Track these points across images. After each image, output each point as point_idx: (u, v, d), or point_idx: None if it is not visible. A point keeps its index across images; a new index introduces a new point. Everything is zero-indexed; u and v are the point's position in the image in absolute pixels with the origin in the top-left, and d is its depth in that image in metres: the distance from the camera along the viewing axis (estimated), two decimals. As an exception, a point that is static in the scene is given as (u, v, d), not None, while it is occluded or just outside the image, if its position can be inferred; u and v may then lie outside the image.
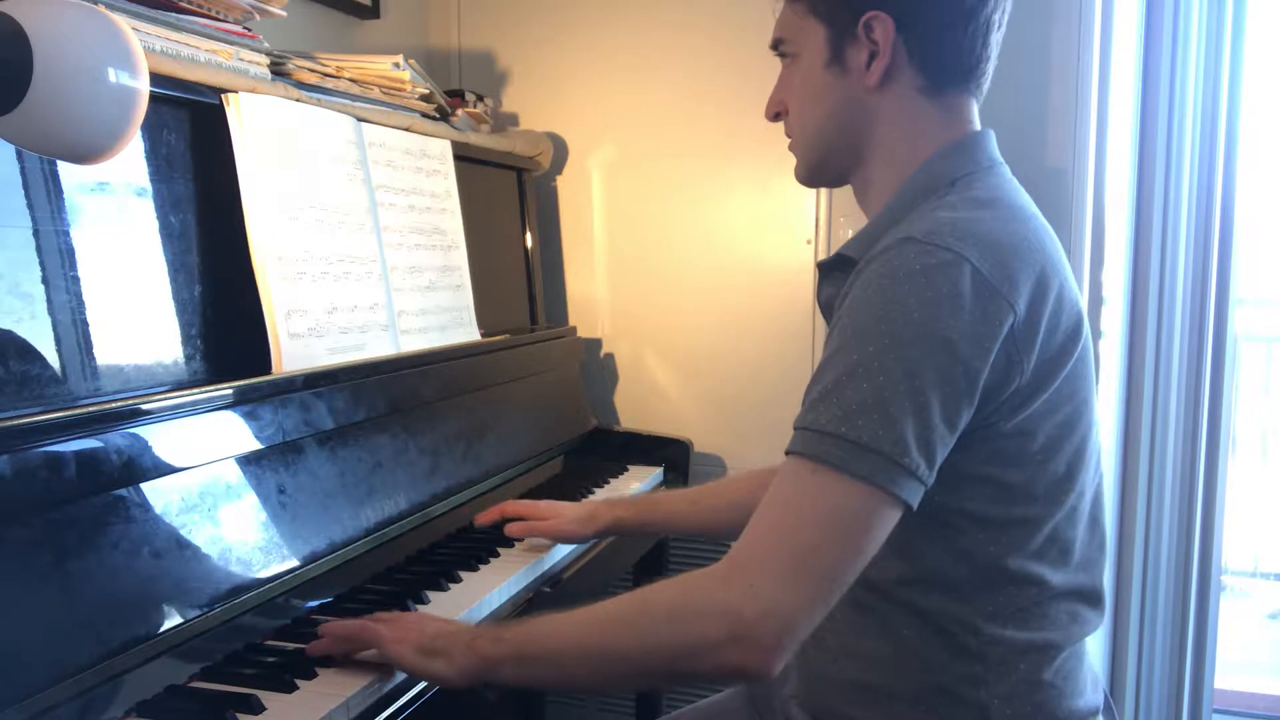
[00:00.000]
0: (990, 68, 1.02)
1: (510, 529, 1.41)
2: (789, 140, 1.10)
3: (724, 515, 1.35)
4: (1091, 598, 1.01)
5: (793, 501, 0.87)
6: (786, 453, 0.90)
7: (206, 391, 1.08)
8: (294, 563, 1.13)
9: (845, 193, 2.03)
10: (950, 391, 0.86)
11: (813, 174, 1.10)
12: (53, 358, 0.99)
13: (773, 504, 0.89)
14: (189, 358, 1.18)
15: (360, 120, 1.49)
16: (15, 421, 0.88)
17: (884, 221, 0.99)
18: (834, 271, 1.04)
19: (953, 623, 0.96)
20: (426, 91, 1.72)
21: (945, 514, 0.93)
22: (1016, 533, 0.95)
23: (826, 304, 1.05)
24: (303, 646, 1.06)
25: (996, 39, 1.01)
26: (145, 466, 0.99)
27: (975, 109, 1.04)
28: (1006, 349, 0.88)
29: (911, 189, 1.00)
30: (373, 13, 2.06)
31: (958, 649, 0.96)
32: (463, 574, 1.31)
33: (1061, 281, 0.94)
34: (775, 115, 1.11)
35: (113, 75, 0.79)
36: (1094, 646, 1.09)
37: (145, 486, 0.99)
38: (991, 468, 0.93)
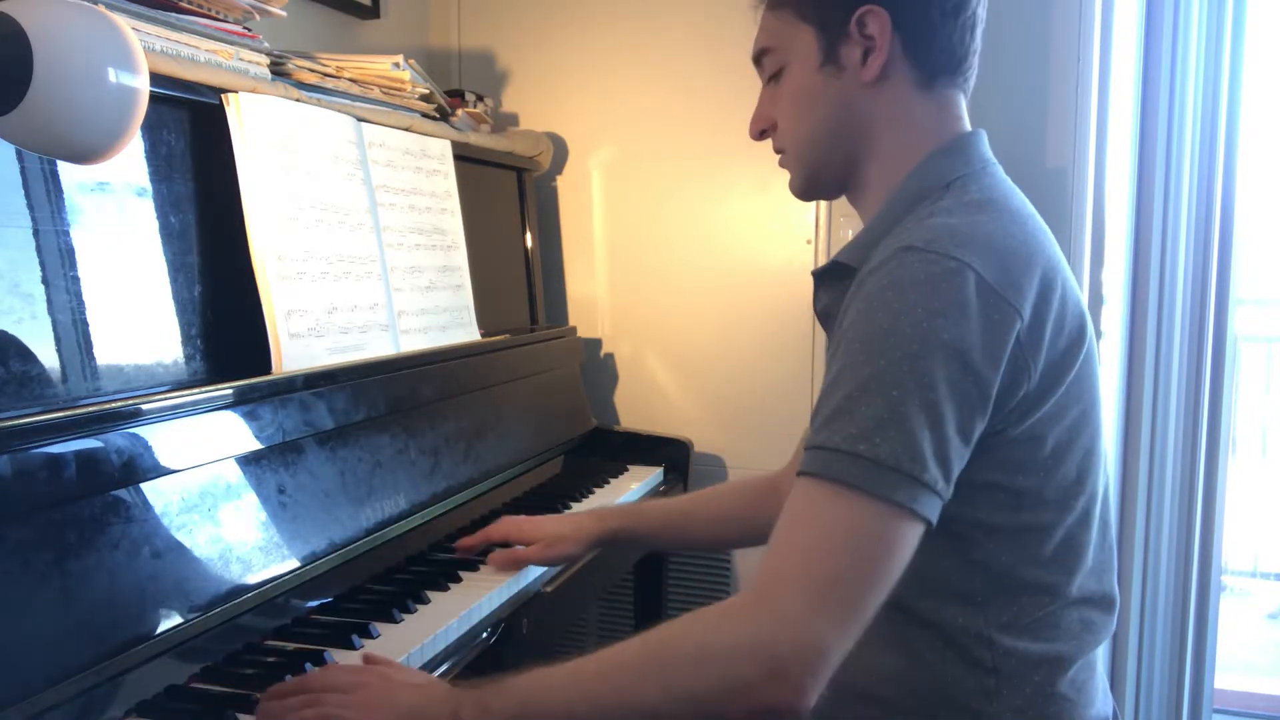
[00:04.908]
0: (976, 62, 1.03)
1: (495, 559, 1.33)
2: (779, 156, 1.08)
3: (720, 529, 1.34)
4: (1104, 603, 0.99)
5: (815, 525, 0.83)
6: (800, 473, 0.86)
7: (206, 391, 1.08)
8: (294, 563, 1.13)
9: (845, 193, 2.05)
10: (964, 402, 0.84)
11: (809, 185, 1.07)
12: (53, 358, 0.99)
13: (793, 528, 0.85)
14: (189, 358, 1.18)
15: (360, 120, 1.49)
16: (15, 421, 0.88)
17: (879, 227, 0.97)
18: (830, 279, 1.02)
19: (967, 636, 0.94)
20: (426, 91, 1.72)
21: (958, 525, 0.91)
22: (1029, 540, 0.94)
23: (824, 313, 1.04)
24: (303, 646, 1.06)
25: (980, 33, 1.02)
26: (145, 466, 0.99)
27: (964, 106, 1.03)
28: (1015, 355, 0.86)
29: (906, 193, 0.98)
30: (373, 13, 2.06)
31: (972, 662, 0.94)
32: (463, 574, 1.31)
33: (1064, 282, 0.93)
34: (761, 133, 1.08)
35: (113, 75, 0.79)
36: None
37: (145, 486, 0.99)
38: (1001, 475, 0.91)
